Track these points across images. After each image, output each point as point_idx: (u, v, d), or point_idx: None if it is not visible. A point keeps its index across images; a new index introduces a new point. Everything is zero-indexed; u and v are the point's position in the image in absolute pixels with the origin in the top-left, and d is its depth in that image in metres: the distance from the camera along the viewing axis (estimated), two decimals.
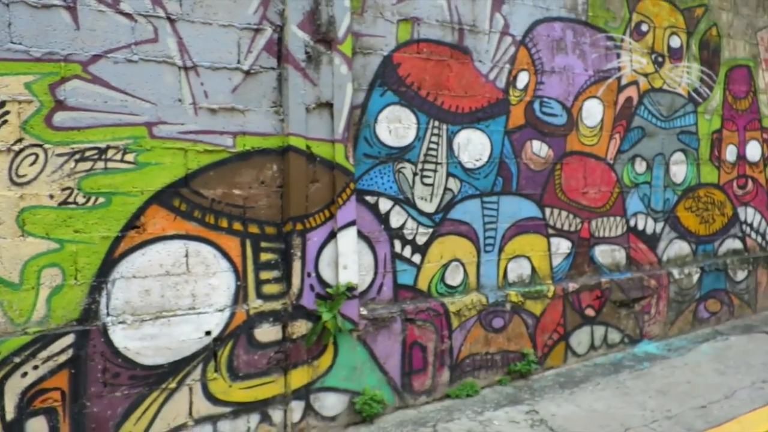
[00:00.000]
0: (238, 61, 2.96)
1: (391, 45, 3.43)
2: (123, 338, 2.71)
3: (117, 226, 2.72)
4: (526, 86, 3.95)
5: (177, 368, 2.86)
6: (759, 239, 5.39)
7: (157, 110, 2.78)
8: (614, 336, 4.40)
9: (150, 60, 2.75)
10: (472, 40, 3.72)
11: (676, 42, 4.69)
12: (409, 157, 3.54)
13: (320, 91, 3.13)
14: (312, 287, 3.18)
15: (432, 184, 3.63)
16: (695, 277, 4.83)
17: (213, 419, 2.97)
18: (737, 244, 5.23)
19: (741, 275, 5.15)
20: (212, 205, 2.95)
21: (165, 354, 2.82)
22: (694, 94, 4.83)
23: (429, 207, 3.63)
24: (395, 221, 3.51)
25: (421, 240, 3.61)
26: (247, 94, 2.99)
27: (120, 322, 2.72)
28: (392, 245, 3.51)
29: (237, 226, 3.02)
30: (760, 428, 3.32)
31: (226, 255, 3.00)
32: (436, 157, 3.63)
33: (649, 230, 4.64)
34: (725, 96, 5.04)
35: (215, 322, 2.96)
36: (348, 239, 3.24)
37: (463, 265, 3.77)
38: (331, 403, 3.28)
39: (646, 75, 4.53)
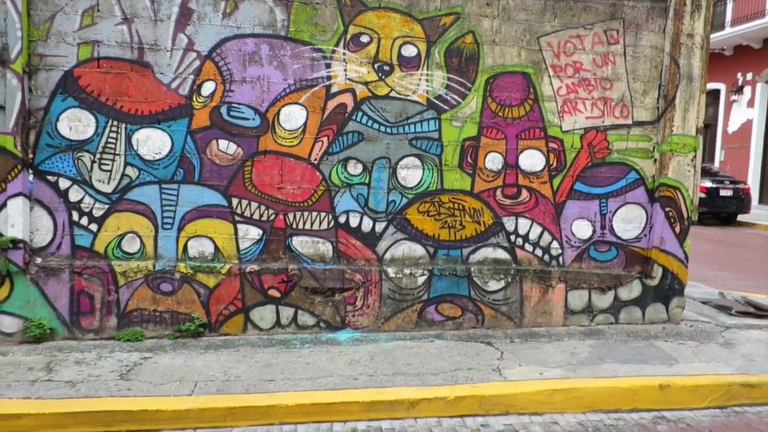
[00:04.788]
0: None
1: (72, 62, 4.50)
2: None
3: None
4: (212, 94, 4.68)
5: None
6: (539, 252, 5.17)
7: None
8: (307, 319, 4.88)
9: None
10: (153, 56, 4.59)
11: (410, 51, 4.87)
12: (88, 148, 4.59)
13: None
14: None
15: (110, 170, 4.63)
16: (421, 279, 4.97)
17: None
18: (501, 254, 5.13)
19: (494, 285, 5.06)
20: None
21: None
22: (436, 101, 4.94)
23: (107, 188, 4.64)
24: (73, 197, 4.60)
25: (97, 213, 4.64)
26: None
27: None
28: (70, 215, 4.61)
29: None
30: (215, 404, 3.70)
31: None
32: (114, 149, 4.61)
33: (365, 228, 4.95)
34: (485, 104, 4.99)
35: None
36: (16, 206, 4.44)
37: (140, 237, 4.70)
38: (8, 323, 4.54)
39: (365, 83, 4.84)
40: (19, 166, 4.44)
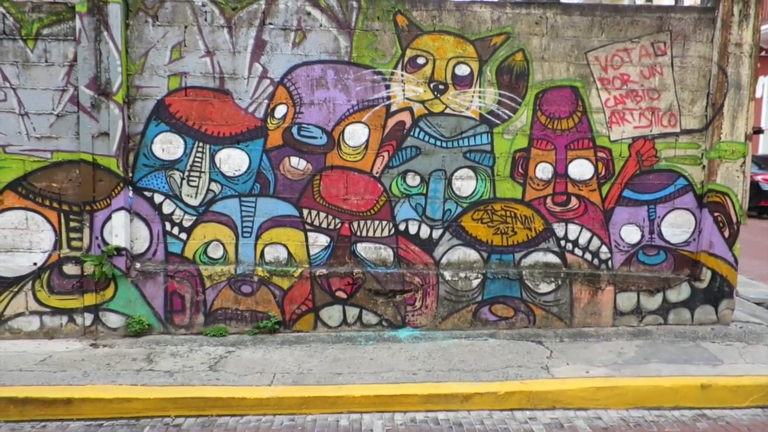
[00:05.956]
0: (53, 109, 5.05)
1: (163, 92, 5.13)
2: None
3: None
4: (284, 116, 5.21)
5: (19, 281, 5.16)
6: (588, 256, 5.45)
7: (8, 138, 5.06)
8: (371, 318, 5.36)
9: (2, 111, 5.03)
10: (232, 84, 5.16)
11: (463, 70, 5.23)
12: (178, 167, 5.21)
13: (100, 126, 5.04)
14: (99, 246, 5.16)
15: (197, 186, 5.24)
16: (475, 282, 5.36)
17: (40, 313, 5.21)
18: (551, 258, 5.44)
19: (545, 288, 5.38)
20: (40, 191, 5.13)
21: (12, 271, 5.15)
22: (488, 116, 5.29)
23: (194, 201, 5.26)
24: (166, 209, 5.25)
25: (187, 224, 5.27)
26: (59, 128, 5.07)
27: None
28: (164, 225, 5.26)
29: (55, 204, 5.15)
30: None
31: (49, 221, 5.16)
32: (200, 167, 5.22)
33: (423, 235, 5.37)
34: (535, 117, 5.30)
35: (40, 258, 5.17)
36: (119, 218, 5.12)
37: (223, 244, 5.31)
38: (113, 320, 5.25)
39: (422, 101, 5.25)
40: (121, 184, 5.11)
